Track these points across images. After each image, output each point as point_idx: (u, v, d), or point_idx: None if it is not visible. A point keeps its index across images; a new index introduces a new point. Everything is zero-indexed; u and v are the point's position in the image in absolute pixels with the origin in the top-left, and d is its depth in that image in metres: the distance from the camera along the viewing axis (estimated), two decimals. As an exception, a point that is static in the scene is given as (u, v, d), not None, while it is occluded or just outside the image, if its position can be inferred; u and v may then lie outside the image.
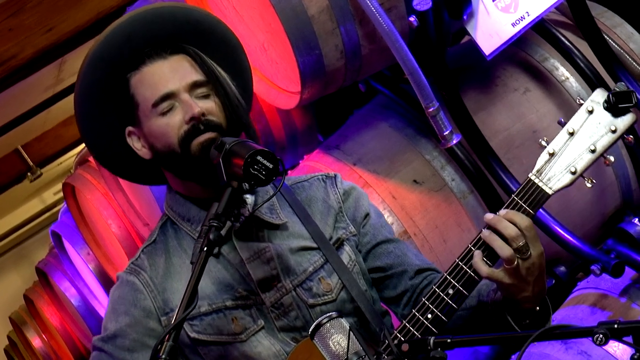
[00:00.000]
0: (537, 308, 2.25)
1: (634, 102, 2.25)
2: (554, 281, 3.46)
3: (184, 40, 2.42)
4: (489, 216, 2.23)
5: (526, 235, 2.18)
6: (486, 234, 2.21)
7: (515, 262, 2.17)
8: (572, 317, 3.14)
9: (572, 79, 3.53)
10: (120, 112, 2.43)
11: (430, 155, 3.43)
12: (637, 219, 3.40)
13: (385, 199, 3.36)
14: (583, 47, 3.52)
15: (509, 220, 2.19)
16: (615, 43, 3.63)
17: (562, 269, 3.46)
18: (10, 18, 4.62)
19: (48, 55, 4.96)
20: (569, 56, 3.51)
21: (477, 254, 2.21)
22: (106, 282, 5.50)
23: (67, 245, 5.86)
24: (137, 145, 2.43)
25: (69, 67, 5.92)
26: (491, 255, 2.21)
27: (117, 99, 2.41)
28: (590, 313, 3.12)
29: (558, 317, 3.20)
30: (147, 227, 4.44)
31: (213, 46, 2.45)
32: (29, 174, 7.45)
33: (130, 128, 2.43)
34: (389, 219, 3.32)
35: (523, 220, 2.19)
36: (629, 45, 3.66)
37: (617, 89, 2.26)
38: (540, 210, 3.17)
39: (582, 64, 3.49)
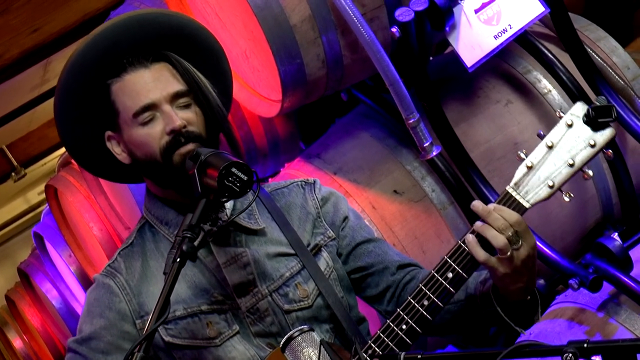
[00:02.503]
0: (528, 298, 2.27)
1: (613, 116, 2.25)
2: (532, 294, 3.45)
3: (166, 46, 2.42)
4: (478, 205, 2.21)
5: (516, 229, 2.18)
6: (479, 224, 2.20)
7: (510, 252, 2.17)
8: (549, 331, 3.13)
9: (554, 92, 3.53)
10: (100, 117, 2.43)
11: (411, 166, 3.43)
12: (616, 234, 3.40)
13: (365, 209, 3.36)
14: (566, 60, 3.51)
15: (499, 214, 2.19)
16: (599, 56, 3.62)
17: (541, 281, 3.45)
18: (-5, 18, 4.62)
19: (34, 55, 4.96)
20: (551, 69, 3.50)
21: (472, 239, 2.20)
22: (87, 285, 5.49)
23: (49, 246, 5.85)
24: (116, 149, 2.44)
25: (55, 67, 5.91)
26: (485, 247, 2.20)
27: (96, 104, 2.41)
28: (567, 327, 3.10)
29: (535, 331, 3.18)
30: (129, 230, 4.43)
31: (195, 51, 2.45)
32: (13, 174, 7.42)
33: (109, 133, 2.44)
34: (369, 229, 3.31)
35: (512, 215, 2.19)
36: (612, 58, 3.65)
37: (598, 103, 2.26)
38: (520, 223, 3.19)
39: (564, 77, 3.48)
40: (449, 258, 2.24)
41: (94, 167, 2.55)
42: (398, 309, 2.25)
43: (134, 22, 2.40)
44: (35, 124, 7.25)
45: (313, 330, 2.25)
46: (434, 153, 3.17)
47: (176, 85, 2.38)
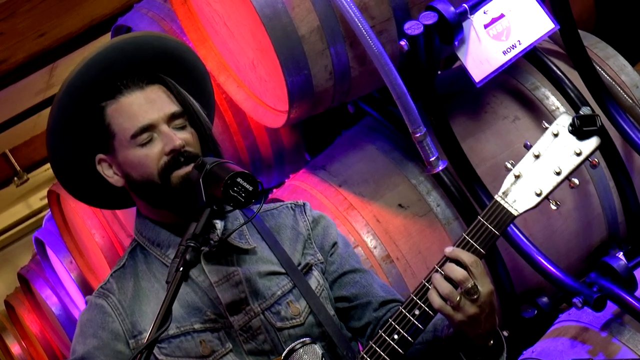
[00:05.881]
0: (491, 342, 2.27)
1: (598, 125, 2.30)
2: (536, 311, 3.44)
3: (159, 68, 2.43)
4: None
5: (473, 273, 2.19)
6: (437, 277, 2.23)
7: (464, 302, 2.18)
8: (552, 350, 3.12)
9: (562, 109, 3.51)
10: (91, 140, 2.42)
11: (417, 180, 3.41)
12: (621, 253, 3.38)
13: (370, 222, 3.34)
14: (575, 77, 3.50)
15: (455, 258, 2.21)
16: (607, 74, 3.62)
17: (545, 299, 3.44)
18: (1, 22, 4.61)
19: (39, 60, 4.96)
20: (559, 86, 3.50)
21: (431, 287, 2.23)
22: (87, 292, 5.48)
23: (50, 253, 5.84)
24: (107, 172, 2.44)
25: (61, 72, 5.90)
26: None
27: (89, 127, 2.40)
28: (570, 346, 3.09)
29: (538, 349, 3.17)
30: (131, 238, 4.41)
31: (184, 74, 2.47)
32: (15, 178, 7.40)
33: (101, 156, 2.43)
34: (372, 243, 3.30)
35: (469, 258, 2.21)
36: (620, 77, 3.64)
37: (582, 113, 2.30)
38: (525, 240, 3.18)
39: (572, 94, 3.48)
40: (415, 296, 2.26)
41: (81, 192, 2.54)
42: (370, 342, 2.27)
43: (129, 45, 2.41)
44: (39, 129, 7.24)
45: (315, 343, 2.25)
46: (440, 168, 3.15)
47: (172, 106, 2.39)
